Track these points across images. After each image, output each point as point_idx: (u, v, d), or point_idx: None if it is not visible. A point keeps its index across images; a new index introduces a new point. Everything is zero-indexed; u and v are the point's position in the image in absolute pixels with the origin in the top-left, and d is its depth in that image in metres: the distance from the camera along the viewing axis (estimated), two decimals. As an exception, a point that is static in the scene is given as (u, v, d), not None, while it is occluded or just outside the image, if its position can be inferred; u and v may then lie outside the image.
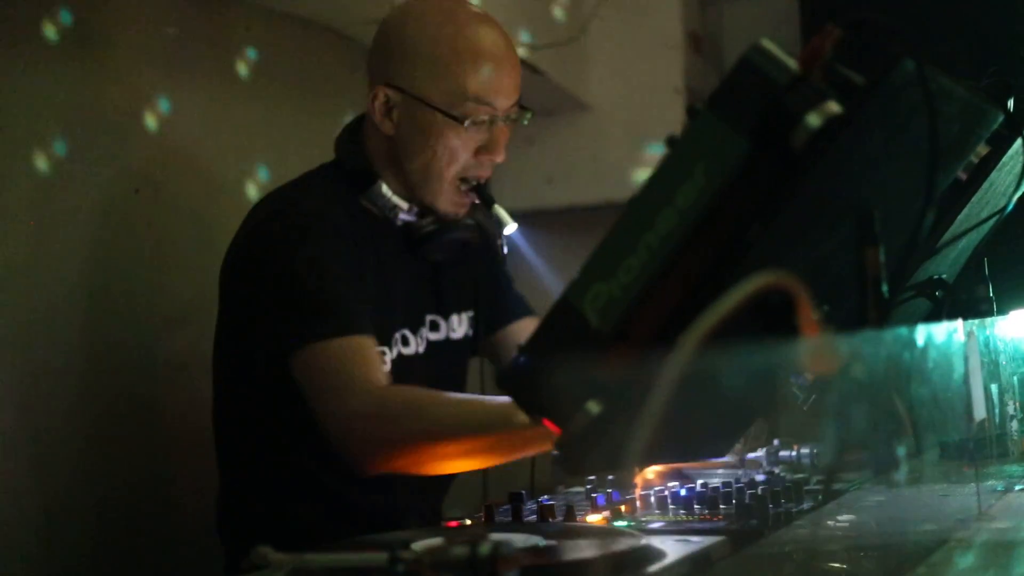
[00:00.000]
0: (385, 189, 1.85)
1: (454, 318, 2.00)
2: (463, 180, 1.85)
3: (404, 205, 1.86)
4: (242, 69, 2.45)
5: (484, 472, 1.79)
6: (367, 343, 1.72)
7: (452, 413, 1.63)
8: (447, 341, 1.98)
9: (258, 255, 1.82)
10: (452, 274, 1.97)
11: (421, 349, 1.93)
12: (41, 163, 2.00)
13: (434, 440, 1.63)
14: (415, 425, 1.64)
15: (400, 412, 1.65)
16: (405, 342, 1.90)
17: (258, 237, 1.83)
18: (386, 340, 1.85)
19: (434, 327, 1.97)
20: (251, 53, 2.48)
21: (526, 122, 1.91)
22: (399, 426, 1.64)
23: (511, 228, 1.92)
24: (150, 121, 2.23)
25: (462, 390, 2.05)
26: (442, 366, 1.97)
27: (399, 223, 1.87)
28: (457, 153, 1.82)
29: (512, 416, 1.52)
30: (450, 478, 2.05)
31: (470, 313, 2.03)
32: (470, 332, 2.03)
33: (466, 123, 1.80)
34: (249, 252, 1.84)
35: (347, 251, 1.79)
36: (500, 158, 1.86)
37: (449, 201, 1.86)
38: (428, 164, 1.83)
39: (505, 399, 1.56)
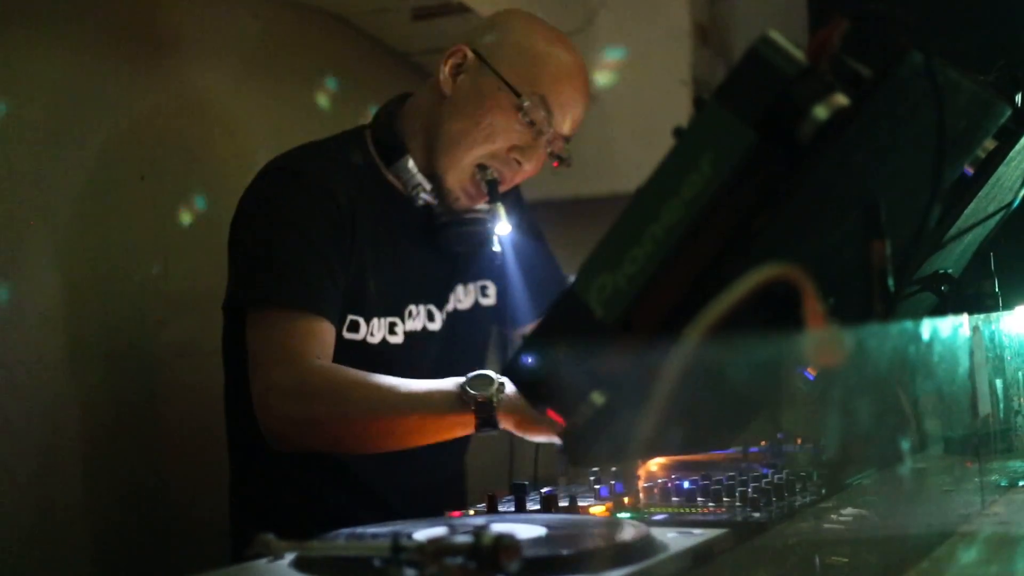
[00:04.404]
0: (412, 164, 1.88)
1: (459, 289, 2.01)
2: (482, 170, 1.86)
3: (427, 185, 1.88)
4: (249, 56, 2.45)
5: (511, 460, 1.80)
6: (321, 326, 1.72)
7: (367, 396, 1.64)
8: (455, 312, 2.00)
9: (248, 208, 1.85)
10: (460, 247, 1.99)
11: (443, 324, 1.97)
12: (46, 149, 2.00)
13: (349, 424, 1.65)
14: (330, 409, 1.65)
15: (318, 394, 1.66)
16: (431, 317, 1.93)
17: (255, 191, 1.86)
18: (398, 311, 1.88)
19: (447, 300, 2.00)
20: (258, 40, 2.48)
21: (565, 157, 1.93)
22: (313, 409, 1.65)
23: (504, 229, 1.94)
24: (156, 107, 2.23)
25: (481, 361, 2.08)
26: (458, 337, 2.00)
27: (420, 202, 1.89)
28: (496, 133, 1.85)
29: (426, 401, 1.60)
30: (460, 468, 2.07)
31: (480, 283, 2.05)
32: (483, 301, 2.05)
33: (525, 104, 1.83)
34: (244, 203, 1.87)
35: (333, 224, 1.80)
36: (528, 166, 1.89)
37: (458, 180, 1.87)
38: (466, 130, 1.86)
39: (431, 383, 1.62)
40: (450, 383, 1.62)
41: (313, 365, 1.68)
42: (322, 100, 2.60)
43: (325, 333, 1.73)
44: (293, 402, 1.65)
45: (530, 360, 1.01)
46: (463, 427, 1.60)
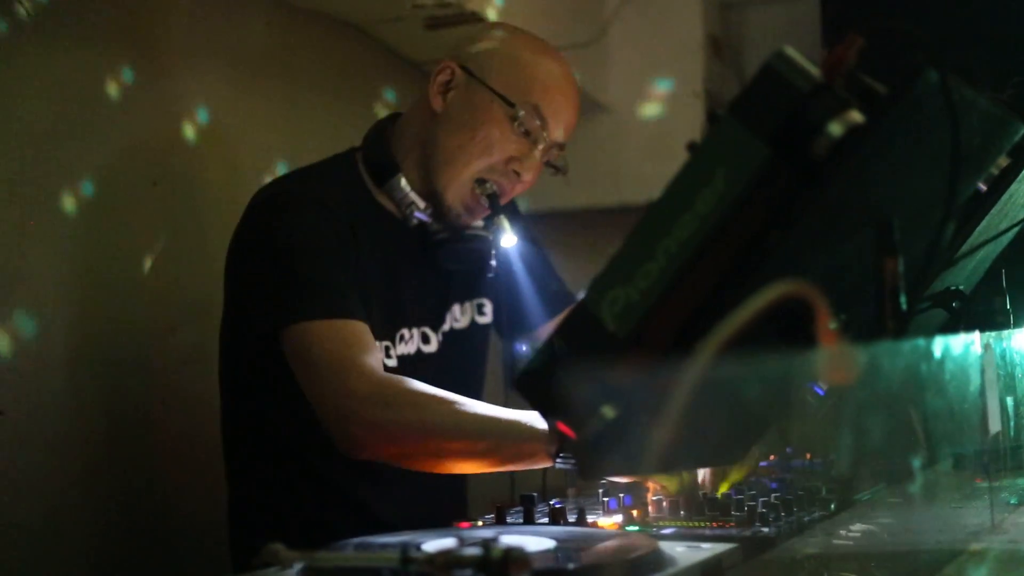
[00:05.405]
0: (404, 183, 1.87)
1: (456, 308, 2.00)
2: (481, 184, 1.85)
3: (421, 203, 1.87)
4: (262, 64, 2.45)
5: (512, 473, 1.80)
6: (365, 329, 1.72)
7: (449, 411, 1.62)
8: (451, 332, 1.99)
9: (255, 234, 1.83)
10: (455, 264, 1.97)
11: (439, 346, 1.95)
12: (59, 154, 2.00)
13: (430, 436, 1.62)
14: (415, 416, 1.62)
15: (402, 401, 1.64)
16: (425, 339, 1.91)
17: (256, 218, 1.84)
18: (390, 336, 1.86)
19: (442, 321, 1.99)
20: (271, 48, 2.48)
21: (560, 166, 1.92)
22: (399, 414, 1.63)
23: (509, 241, 1.92)
24: (169, 114, 2.24)
25: (480, 380, 2.07)
26: (455, 357, 1.98)
27: (414, 221, 1.88)
28: (492, 145, 1.84)
29: (507, 427, 1.56)
30: (462, 479, 2.06)
31: (477, 301, 2.04)
32: (479, 320, 2.04)
33: (520, 114, 1.82)
34: (247, 233, 1.86)
35: (341, 240, 1.79)
36: (527, 177, 1.87)
37: (458, 196, 1.86)
38: (462, 145, 1.84)
39: (509, 411, 1.58)
40: (532, 414, 1.57)
41: (390, 377, 1.67)
42: (335, 108, 2.61)
43: (372, 339, 1.72)
44: (376, 408, 1.63)
45: (540, 372, 1.01)
46: (540, 458, 1.55)
